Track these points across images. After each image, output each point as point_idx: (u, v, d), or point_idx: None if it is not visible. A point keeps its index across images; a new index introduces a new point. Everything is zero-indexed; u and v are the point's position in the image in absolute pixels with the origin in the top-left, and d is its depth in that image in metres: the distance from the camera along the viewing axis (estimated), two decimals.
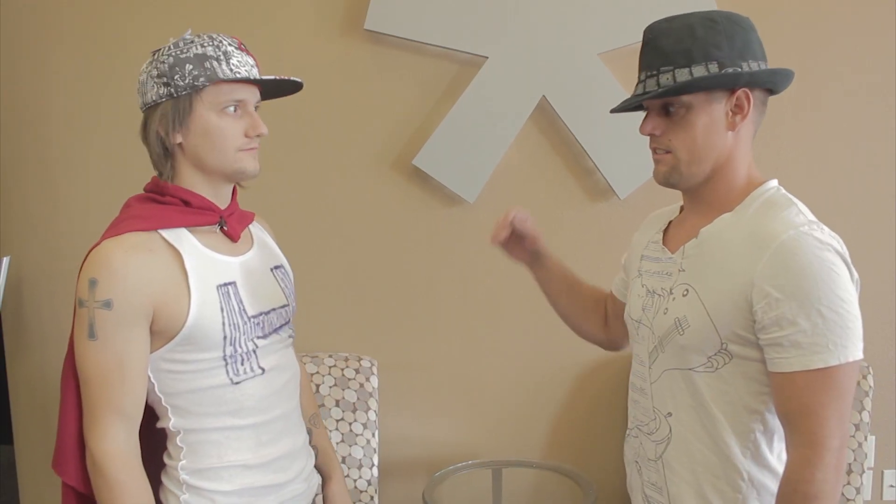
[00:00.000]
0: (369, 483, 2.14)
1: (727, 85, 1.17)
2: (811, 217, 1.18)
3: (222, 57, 1.24)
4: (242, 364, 1.28)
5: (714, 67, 1.16)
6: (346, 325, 2.33)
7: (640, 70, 1.24)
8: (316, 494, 1.48)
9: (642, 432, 1.34)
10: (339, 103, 2.25)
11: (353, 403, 2.17)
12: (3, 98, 2.24)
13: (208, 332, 1.24)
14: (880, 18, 2.27)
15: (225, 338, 1.25)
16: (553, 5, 2.18)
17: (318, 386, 2.15)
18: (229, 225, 1.33)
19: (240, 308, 1.28)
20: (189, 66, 1.22)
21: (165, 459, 1.31)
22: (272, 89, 1.34)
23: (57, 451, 1.29)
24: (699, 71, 1.16)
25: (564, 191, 2.31)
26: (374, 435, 2.17)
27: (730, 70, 1.16)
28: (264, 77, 1.28)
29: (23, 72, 2.23)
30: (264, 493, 1.31)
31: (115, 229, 1.24)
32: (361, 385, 2.20)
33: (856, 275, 1.15)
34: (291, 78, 1.33)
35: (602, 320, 1.58)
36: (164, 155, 1.28)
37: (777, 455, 1.22)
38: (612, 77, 2.19)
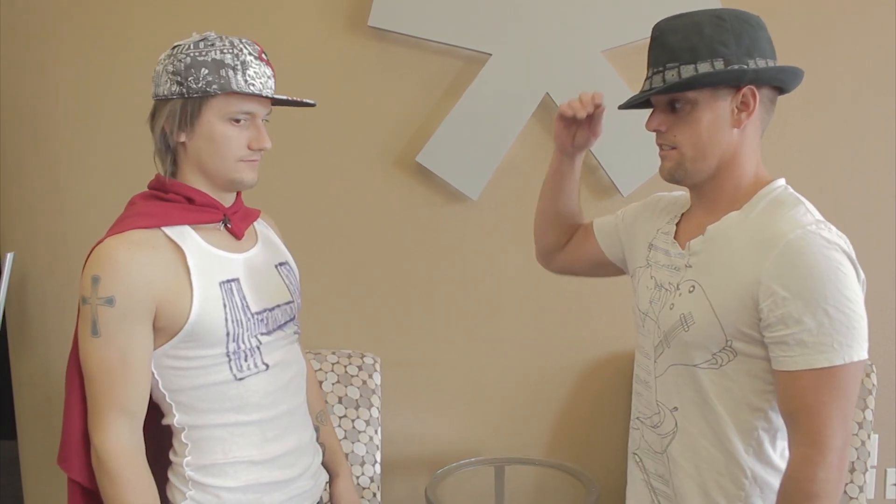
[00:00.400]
0: (372, 480, 2.15)
1: (732, 82, 1.17)
2: (818, 216, 1.17)
3: (239, 67, 1.23)
4: (246, 360, 1.28)
5: (720, 64, 1.16)
6: (349, 321, 2.34)
7: (648, 67, 1.25)
8: (323, 491, 1.48)
9: (645, 424, 1.34)
10: (343, 100, 2.25)
11: (356, 400, 2.17)
12: (6, 95, 2.25)
13: (211, 329, 1.24)
14: (887, 18, 2.26)
15: (228, 334, 1.25)
16: (557, 2, 2.18)
17: (320, 383, 2.15)
18: (233, 222, 1.33)
19: (243, 304, 1.28)
20: (204, 71, 1.22)
21: (171, 456, 1.31)
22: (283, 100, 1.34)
23: (62, 446, 1.30)
24: (704, 68, 1.16)
25: None
26: (376, 432, 2.18)
27: (735, 67, 1.16)
28: (276, 96, 1.28)
29: (26, 68, 2.23)
30: (270, 490, 1.31)
31: (119, 226, 1.25)
32: (364, 382, 2.20)
33: (862, 275, 1.14)
34: (304, 100, 1.33)
35: (564, 241, 1.59)
36: (166, 150, 1.29)
37: (780, 453, 1.23)
38: (616, 74, 2.19)
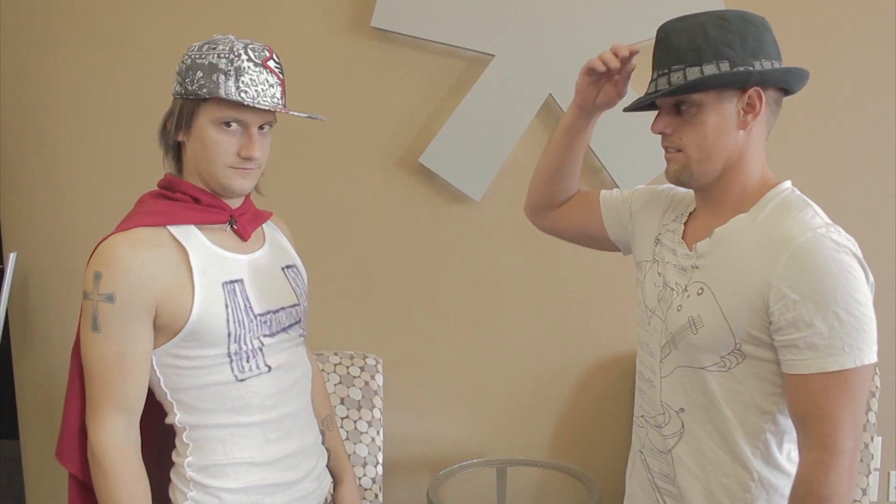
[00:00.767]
0: (374, 481, 2.14)
1: (737, 83, 1.17)
2: (827, 219, 1.17)
3: (232, 73, 1.21)
4: (248, 361, 1.28)
5: (725, 66, 1.16)
6: (351, 322, 2.33)
7: (653, 69, 1.24)
8: (328, 494, 1.48)
9: (649, 424, 1.34)
10: (346, 101, 2.25)
11: (358, 401, 2.17)
12: (8, 95, 2.25)
13: (212, 329, 1.24)
14: (888, 19, 2.26)
15: (229, 335, 1.25)
16: (560, 3, 2.17)
17: None
18: (240, 224, 1.33)
19: (246, 305, 1.28)
20: (199, 74, 1.22)
21: (174, 457, 1.32)
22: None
23: (60, 439, 1.30)
24: (710, 69, 1.16)
25: None
26: (378, 433, 2.17)
27: (741, 69, 1.16)
28: (259, 106, 1.23)
29: (28, 67, 2.24)
30: (272, 492, 1.31)
31: (125, 224, 1.26)
32: (366, 383, 2.20)
33: (871, 278, 1.14)
34: (318, 117, 1.32)
35: (558, 201, 1.55)
36: (167, 147, 1.30)
37: (786, 455, 1.22)
38: None
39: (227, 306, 1.25)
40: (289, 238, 1.50)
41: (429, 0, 2.15)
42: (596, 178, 2.29)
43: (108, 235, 1.24)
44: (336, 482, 1.54)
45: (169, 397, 1.27)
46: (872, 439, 2.20)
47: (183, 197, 1.28)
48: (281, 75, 1.28)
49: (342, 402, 2.16)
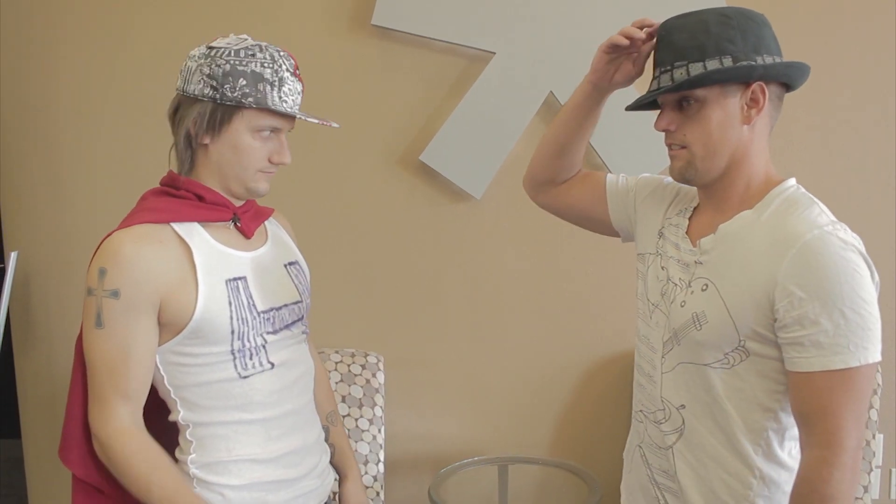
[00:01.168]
0: (375, 479, 2.15)
1: (741, 78, 1.17)
2: (832, 217, 1.17)
3: (276, 83, 1.24)
4: (251, 359, 1.28)
5: (728, 61, 1.16)
6: (352, 320, 2.34)
7: (655, 67, 1.24)
8: (333, 492, 1.48)
9: (648, 419, 1.33)
10: (346, 99, 2.25)
11: (360, 399, 2.17)
12: (9, 94, 2.25)
13: (216, 326, 1.24)
14: (888, 18, 2.26)
15: (233, 332, 1.25)
16: (561, 1, 2.17)
17: None
18: (243, 222, 1.33)
19: (249, 303, 1.28)
20: (243, 82, 1.22)
21: (177, 454, 1.31)
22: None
23: (63, 437, 1.30)
24: (713, 65, 1.16)
25: None
26: (380, 431, 2.18)
27: (744, 63, 1.16)
28: (307, 117, 1.29)
29: (28, 66, 2.24)
30: (275, 489, 1.31)
31: (128, 221, 1.26)
32: (368, 381, 2.20)
33: (877, 276, 1.14)
34: (332, 124, 1.34)
35: (560, 178, 1.51)
36: (186, 148, 1.29)
37: (788, 452, 1.22)
38: None
39: (230, 303, 1.25)
40: (291, 235, 1.50)
41: None
42: None
43: (112, 232, 1.24)
44: (341, 478, 1.54)
45: (172, 395, 1.27)
46: (874, 437, 2.20)
47: (187, 194, 1.29)
48: (302, 79, 1.31)
49: (343, 401, 2.16)
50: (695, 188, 1.34)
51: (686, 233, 1.30)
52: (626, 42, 1.27)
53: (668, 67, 1.20)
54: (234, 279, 1.28)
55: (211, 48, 1.24)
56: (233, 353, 1.26)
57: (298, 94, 1.29)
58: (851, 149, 2.31)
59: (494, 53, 2.18)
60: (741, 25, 1.17)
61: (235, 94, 1.22)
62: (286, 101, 1.25)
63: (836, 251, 1.10)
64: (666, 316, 1.28)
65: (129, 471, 1.21)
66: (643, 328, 1.36)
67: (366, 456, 2.14)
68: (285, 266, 1.40)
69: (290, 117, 1.29)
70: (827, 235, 1.12)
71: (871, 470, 2.20)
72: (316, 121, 1.30)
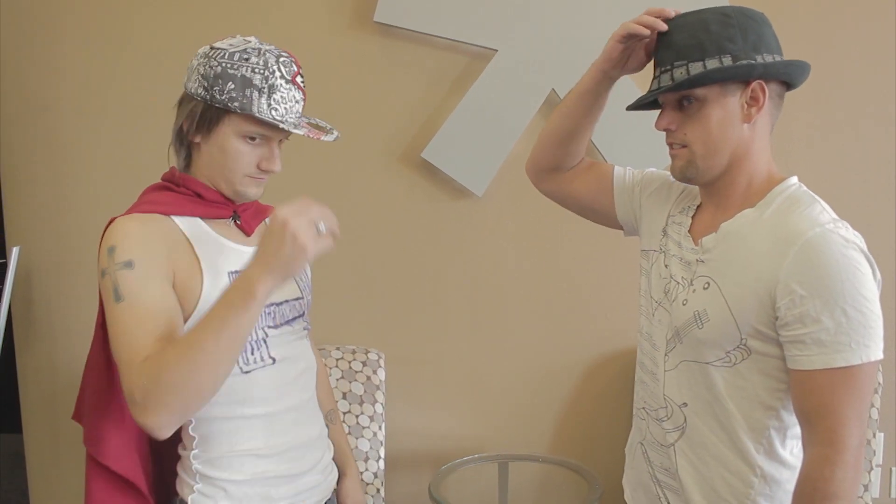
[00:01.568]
0: (375, 476, 2.15)
1: (741, 77, 1.17)
2: (834, 215, 1.17)
3: (266, 90, 1.21)
4: (252, 353, 1.28)
5: (728, 60, 1.16)
6: (353, 317, 2.34)
7: (655, 66, 1.24)
8: (335, 488, 1.48)
9: (650, 416, 1.34)
10: (348, 96, 2.25)
11: (360, 396, 2.17)
12: (10, 89, 2.25)
13: None
14: (888, 17, 2.25)
15: None
16: None
17: None
18: (243, 219, 1.34)
19: None
20: (231, 85, 1.20)
21: (179, 450, 1.32)
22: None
23: (94, 435, 1.28)
24: (713, 64, 1.16)
25: None
26: (380, 428, 2.18)
27: (744, 62, 1.16)
28: (296, 131, 1.24)
29: (30, 63, 2.24)
30: (278, 484, 1.31)
31: (131, 211, 1.26)
32: (368, 378, 2.20)
33: (878, 274, 1.14)
34: (323, 138, 1.30)
35: (565, 165, 1.50)
36: (181, 145, 1.29)
37: (790, 451, 1.22)
38: None
39: None
40: None
41: None
42: None
43: (115, 217, 1.24)
44: (340, 476, 1.54)
45: None
46: (875, 435, 2.20)
47: (187, 192, 1.29)
48: (304, 88, 1.28)
49: (344, 397, 2.16)
50: (695, 191, 1.34)
51: (688, 231, 1.30)
52: (646, 32, 1.25)
53: (668, 67, 1.20)
54: (237, 272, 1.28)
55: (212, 48, 1.24)
56: None
57: (296, 102, 1.25)
58: (851, 147, 2.31)
59: (496, 51, 2.18)
60: (741, 24, 1.17)
61: (223, 98, 1.20)
62: (276, 110, 1.22)
63: (838, 249, 1.11)
64: (668, 314, 1.28)
65: (186, 360, 1.09)
66: (646, 325, 1.36)
67: (366, 453, 2.14)
68: None
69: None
70: (829, 233, 1.12)
71: (872, 468, 2.20)
72: (301, 132, 1.24)
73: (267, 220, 1.42)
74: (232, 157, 1.25)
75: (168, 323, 1.16)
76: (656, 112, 1.26)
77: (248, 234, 1.34)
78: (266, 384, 1.29)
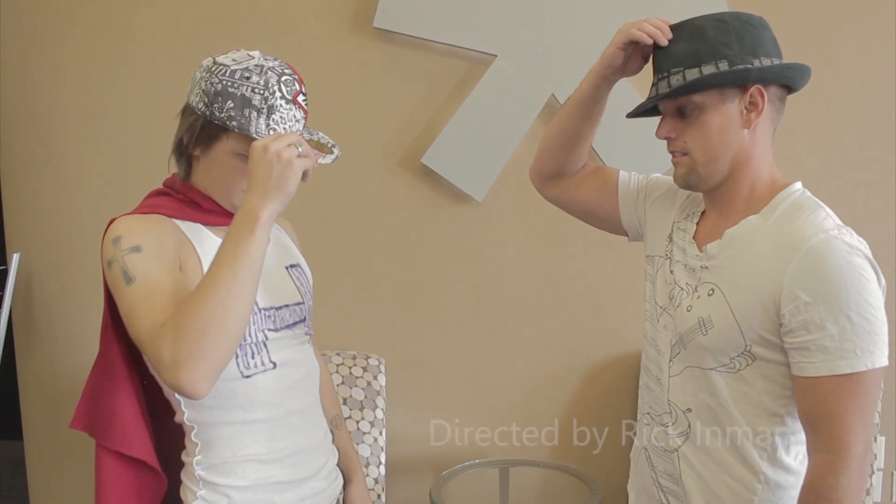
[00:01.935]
0: (376, 481, 2.15)
1: (737, 81, 1.17)
2: (838, 221, 1.17)
3: (264, 111, 1.20)
4: (253, 357, 1.28)
5: (724, 65, 1.16)
6: (353, 323, 2.33)
7: (653, 74, 1.24)
8: (340, 494, 1.48)
9: (655, 421, 1.33)
10: (348, 101, 2.25)
11: (361, 401, 2.17)
12: (11, 95, 2.25)
13: None
14: (888, 17, 2.26)
15: None
16: (562, 3, 2.18)
17: None
18: None
19: None
20: (230, 104, 1.20)
21: (183, 457, 1.32)
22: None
23: (117, 433, 1.27)
24: (709, 69, 1.16)
25: None
26: (381, 433, 2.18)
27: (740, 67, 1.16)
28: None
29: (31, 67, 2.24)
30: (281, 490, 1.31)
31: (132, 213, 1.27)
32: (369, 383, 2.20)
33: (883, 280, 1.14)
34: (319, 161, 1.27)
35: (568, 170, 1.49)
36: (180, 155, 1.30)
37: (794, 457, 1.22)
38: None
39: None
40: (293, 238, 1.51)
41: (431, 0, 2.15)
42: None
43: (116, 218, 1.25)
44: (346, 482, 1.53)
45: (177, 394, 1.27)
46: (876, 439, 2.19)
47: (185, 199, 1.29)
48: (306, 107, 1.28)
49: (345, 403, 2.16)
50: (699, 198, 1.34)
51: (693, 237, 1.29)
52: (648, 41, 1.24)
53: (666, 74, 1.20)
54: None
55: (215, 63, 1.23)
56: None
57: (296, 121, 1.24)
58: (852, 151, 2.31)
59: (496, 56, 2.19)
60: (737, 29, 1.17)
61: (222, 116, 1.20)
62: (275, 130, 1.21)
63: (842, 255, 1.10)
64: (673, 319, 1.28)
65: (205, 301, 1.08)
66: (650, 331, 1.35)
67: (367, 458, 2.14)
68: (286, 268, 1.41)
69: None
70: (833, 240, 1.11)
71: (873, 472, 2.20)
72: (324, 161, 1.24)
73: None
74: (228, 174, 1.25)
75: (182, 294, 1.14)
76: (656, 119, 1.27)
77: None
78: (267, 389, 1.29)
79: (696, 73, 1.17)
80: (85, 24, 2.22)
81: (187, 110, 1.26)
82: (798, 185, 1.23)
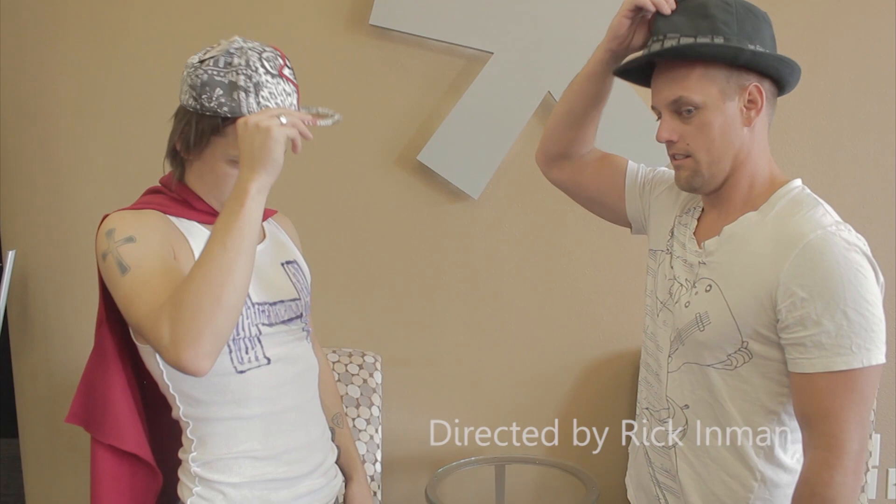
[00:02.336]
0: (372, 479, 2.15)
1: (727, 58, 1.15)
2: (837, 217, 1.17)
3: (251, 89, 1.20)
4: (247, 352, 1.27)
5: (719, 41, 1.15)
6: (349, 320, 2.33)
7: (650, 37, 1.23)
8: (340, 493, 1.47)
9: (653, 417, 1.33)
10: (344, 98, 2.25)
11: (357, 399, 2.17)
12: (7, 91, 2.25)
13: None
14: (888, 17, 2.26)
15: None
16: (558, 1, 2.17)
17: None
18: None
19: None
20: (218, 91, 1.20)
21: (180, 454, 1.32)
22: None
23: (110, 428, 1.28)
24: (704, 41, 1.15)
25: None
26: (377, 431, 2.18)
27: (734, 45, 1.15)
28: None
29: (27, 65, 2.23)
30: (277, 487, 1.31)
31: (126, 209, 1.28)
32: (365, 381, 2.20)
33: (881, 278, 1.14)
34: (319, 122, 1.30)
35: (575, 151, 1.48)
36: (173, 158, 1.30)
37: (791, 455, 1.22)
38: None
39: None
40: (292, 235, 1.51)
41: None
42: None
43: (109, 214, 1.26)
44: (346, 480, 1.53)
45: (171, 389, 1.27)
46: (871, 436, 2.20)
47: (179, 198, 1.30)
48: (295, 80, 1.27)
49: (341, 400, 2.16)
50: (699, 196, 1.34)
51: (693, 233, 1.29)
52: (652, 8, 1.23)
53: (661, 37, 1.19)
54: None
55: (200, 60, 1.23)
56: (228, 343, 1.25)
57: (287, 94, 1.24)
58: (850, 149, 2.31)
59: (492, 53, 2.18)
60: (739, 14, 1.16)
61: (212, 105, 1.20)
62: (267, 106, 1.21)
63: (840, 251, 1.10)
64: (672, 315, 1.28)
65: (200, 276, 1.10)
66: (650, 326, 1.35)
67: (363, 456, 2.14)
68: (282, 265, 1.41)
69: None
70: (830, 236, 1.11)
71: (868, 469, 2.21)
72: (325, 123, 1.26)
73: (264, 223, 1.43)
74: (222, 179, 1.26)
75: (177, 279, 1.15)
76: (655, 124, 1.26)
77: None
78: (262, 384, 1.29)
79: (690, 40, 1.16)
80: (81, 22, 2.21)
81: (179, 112, 1.26)
82: (797, 181, 1.23)
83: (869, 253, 1.13)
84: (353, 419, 2.15)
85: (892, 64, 2.27)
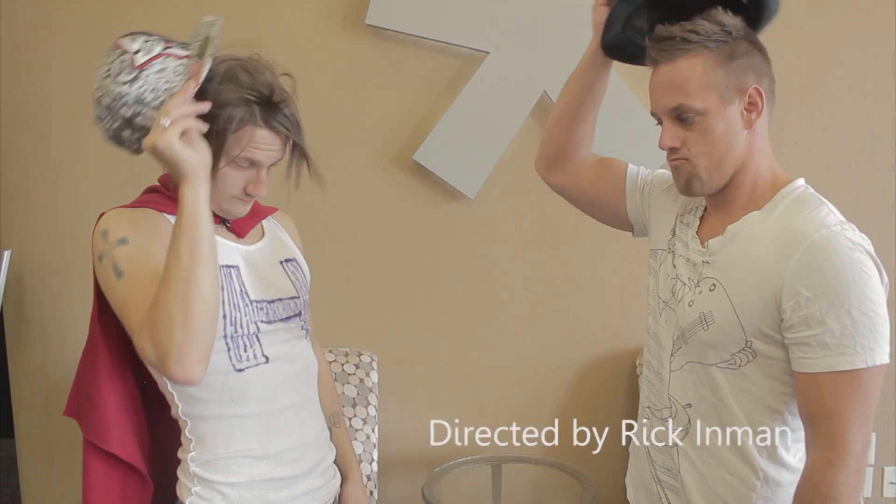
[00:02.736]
0: (368, 478, 2.15)
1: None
2: (841, 217, 1.17)
3: (128, 121, 1.26)
4: (245, 351, 1.27)
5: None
6: (346, 320, 2.33)
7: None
8: (337, 492, 1.47)
9: (655, 416, 1.33)
10: (340, 98, 2.24)
11: (353, 398, 2.17)
12: (6, 92, 2.24)
13: None
14: (888, 17, 2.26)
15: (224, 316, 1.24)
16: (555, 0, 2.17)
17: None
18: (234, 222, 1.34)
19: (241, 290, 1.28)
20: (127, 133, 1.26)
21: (179, 454, 1.32)
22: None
23: (98, 427, 1.28)
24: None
25: None
26: (373, 430, 2.18)
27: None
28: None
29: (23, 65, 2.23)
30: (276, 487, 1.30)
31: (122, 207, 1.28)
32: (361, 380, 2.20)
33: (885, 277, 1.13)
34: (203, 70, 1.32)
35: (574, 151, 1.48)
36: None
37: (794, 454, 1.22)
38: (615, 72, 2.18)
39: (222, 288, 1.25)
40: (292, 233, 1.51)
41: None
42: None
43: (105, 212, 1.26)
44: (343, 479, 1.53)
45: (169, 387, 1.27)
46: None
47: (175, 198, 1.29)
48: (168, 47, 1.34)
49: (338, 399, 2.16)
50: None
51: (696, 232, 1.29)
52: None
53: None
54: (227, 266, 1.28)
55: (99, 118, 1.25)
56: (226, 341, 1.25)
57: (165, 82, 1.27)
58: (851, 148, 2.31)
59: (488, 53, 2.18)
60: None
61: (135, 148, 1.25)
62: (156, 111, 1.22)
63: (844, 251, 1.10)
64: (675, 314, 1.27)
65: (165, 290, 1.11)
66: (653, 325, 1.35)
67: (359, 455, 2.14)
68: (281, 263, 1.41)
69: (269, 152, 1.30)
70: (835, 235, 1.11)
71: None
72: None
73: (263, 221, 1.43)
74: (220, 181, 1.26)
75: None
76: (657, 128, 1.25)
77: (240, 236, 1.35)
78: (260, 383, 1.29)
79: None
80: (78, 21, 2.21)
81: None
82: (801, 181, 1.23)
83: (873, 252, 1.13)
84: (350, 419, 2.15)
85: (893, 64, 2.27)
